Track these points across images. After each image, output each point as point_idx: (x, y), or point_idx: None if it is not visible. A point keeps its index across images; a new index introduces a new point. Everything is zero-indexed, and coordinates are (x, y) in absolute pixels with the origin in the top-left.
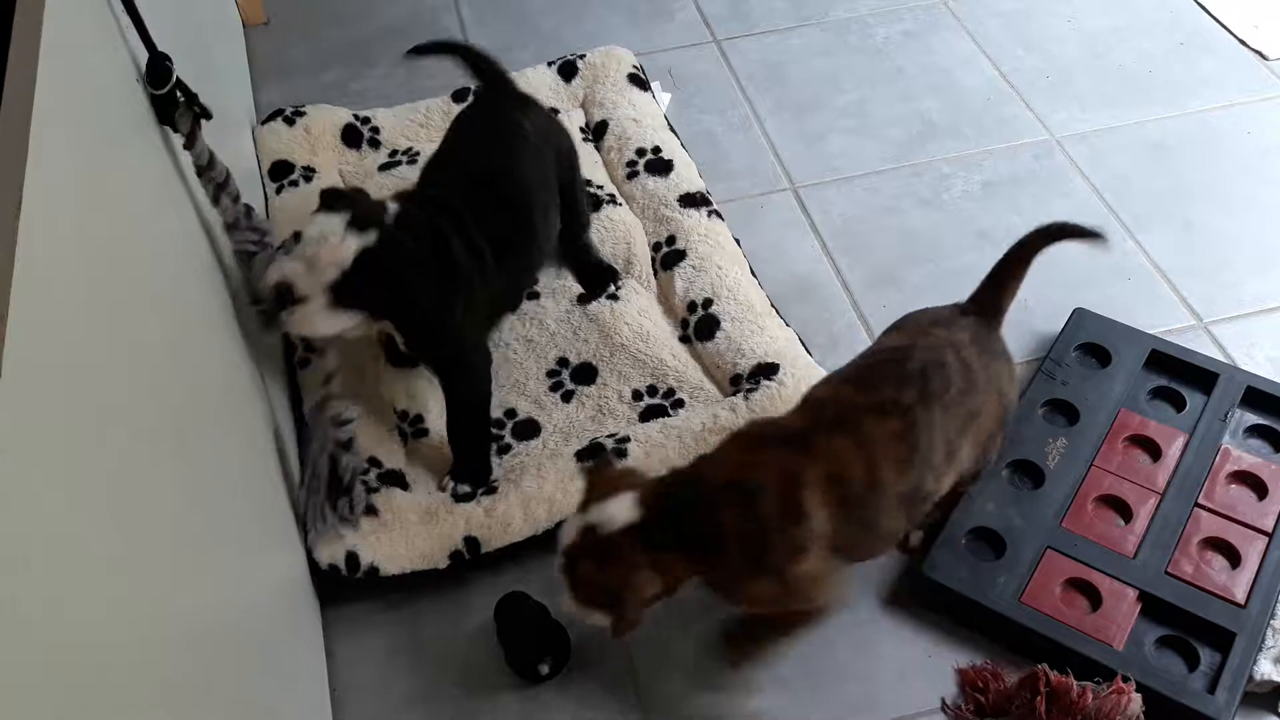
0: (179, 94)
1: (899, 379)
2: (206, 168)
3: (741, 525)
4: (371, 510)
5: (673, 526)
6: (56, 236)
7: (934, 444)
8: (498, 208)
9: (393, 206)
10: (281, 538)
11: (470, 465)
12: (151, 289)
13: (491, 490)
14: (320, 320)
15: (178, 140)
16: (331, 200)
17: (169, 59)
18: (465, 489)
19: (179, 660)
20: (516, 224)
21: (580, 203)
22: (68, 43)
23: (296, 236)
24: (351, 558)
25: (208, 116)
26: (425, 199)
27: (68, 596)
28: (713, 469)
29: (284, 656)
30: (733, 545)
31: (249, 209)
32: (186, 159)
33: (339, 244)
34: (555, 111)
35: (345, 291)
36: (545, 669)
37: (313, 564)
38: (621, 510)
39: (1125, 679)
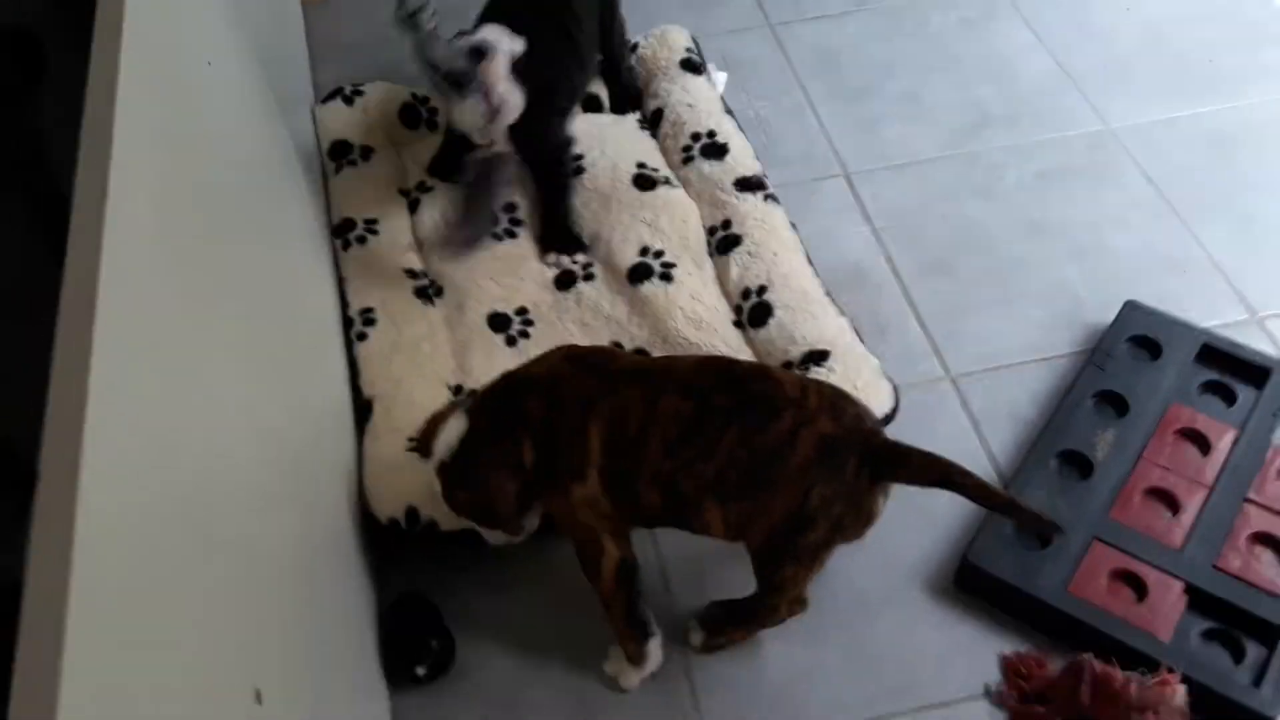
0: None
1: (729, 383)
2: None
3: (541, 420)
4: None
5: (496, 416)
6: (140, 209)
7: (709, 455)
8: (559, 31)
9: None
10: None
11: (562, 234)
12: (229, 252)
13: None
14: (504, 80)
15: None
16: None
17: None
18: (563, 258)
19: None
20: (575, 44)
21: (617, 27)
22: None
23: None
24: (411, 513)
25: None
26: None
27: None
28: (534, 367)
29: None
30: (534, 435)
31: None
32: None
33: (509, 38)
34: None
35: (518, 73)
36: (421, 672)
37: (369, 522)
38: (453, 430)
39: (1170, 670)
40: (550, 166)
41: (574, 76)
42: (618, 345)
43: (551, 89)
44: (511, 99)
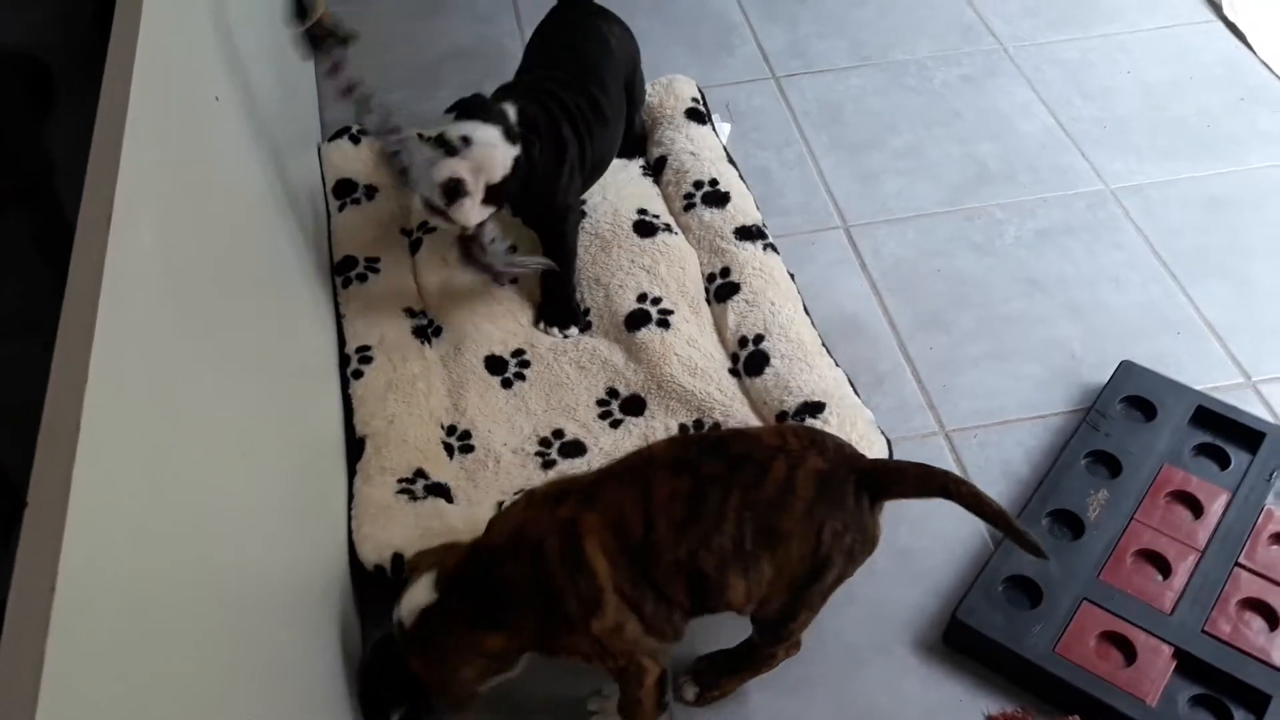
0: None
1: (712, 449)
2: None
3: (529, 580)
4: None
5: (467, 599)
6: (143, 238)
7: (720, 524)
8: (590, 97)
9: (511, 110)
10: (335, 531)
11: (561, 310)
12: (229, 282)
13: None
14: (475, 212)
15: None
16: (473, 110)
17: None
18: (558, 331)
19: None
20: (603, 110)
21: (640, 92)
22: (159, 48)
23: (438, 139)
24: (397, 559)
25: (354, 36)
26: (534, 92)
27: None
28: (498, 531)
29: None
30: (525, 603)
31: (387, 112)
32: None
33: (501, 153)
34: None
35: (498, 191)
36: (396, 718)
37: (356, 567)
38: (418, 596)
39: None
40: (556, 237)
41: (598, 145)
42: (613, 391)
43: (567, 158)
44: (476, 217)
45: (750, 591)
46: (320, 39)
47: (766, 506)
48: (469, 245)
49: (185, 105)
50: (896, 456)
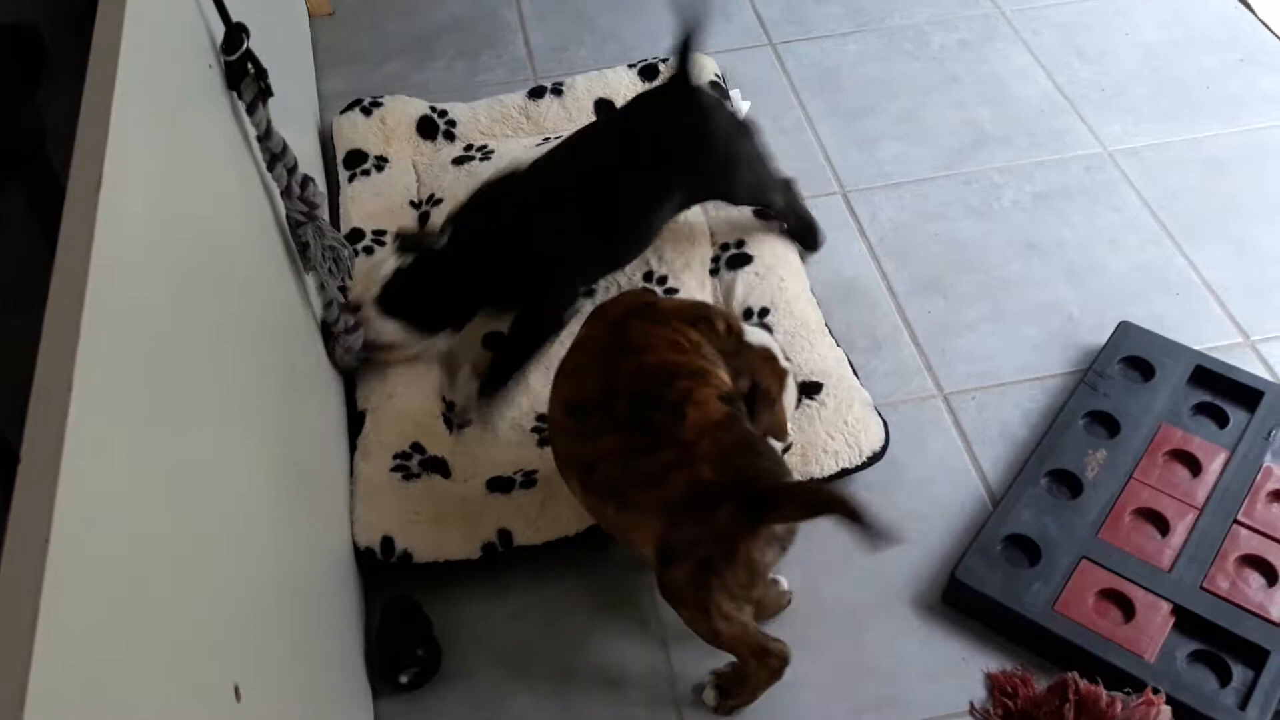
0: (249, 65)
1: (639, 398)
2: (264, 137)
3: None
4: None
5: None
6: (133, 203)
7: (593, 437)
8: (592, 212)
9: (443, 239)
10: (336, 503)
11: (494, 376)
12: (221, 247)
13: (530, 484)
14: (375, 324)
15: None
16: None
17: (245, 30)
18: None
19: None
20: (609, 230)
21: (747, 182)
22: (150, 15)
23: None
24: (387, 542)
25: (270, 94)
26: (489, 205)
27: (139, 568)
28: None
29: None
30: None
31: (306, 180)
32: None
33: (382, 264)
34: None
35: (386, 300)
36: (405, 679)
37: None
38: None
39: (1155, 691)
40: (528, 330)
41: (590, 261)
42: None
43: (559, 264)
44: (385, 332)
45: (618, 524)
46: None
47: (637, 475)
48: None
49: (177, 72)
50: (894, 421)
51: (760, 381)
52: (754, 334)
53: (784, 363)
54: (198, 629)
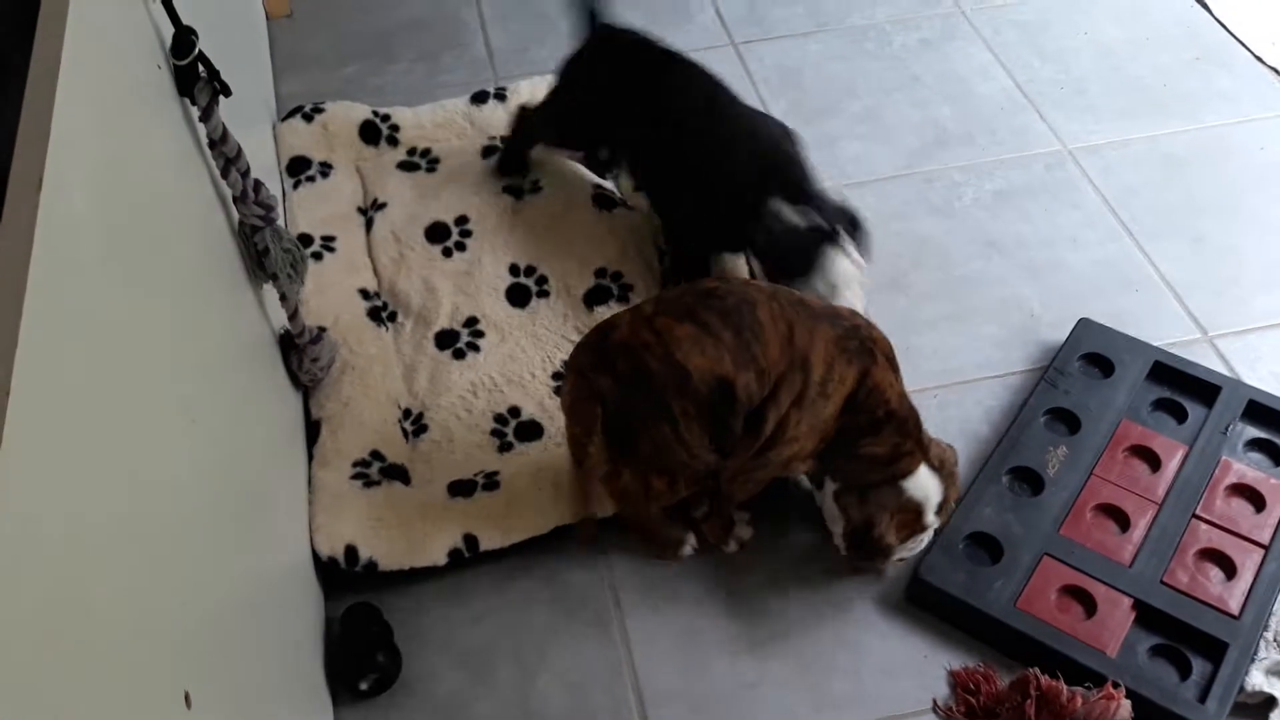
0: (200, 67)
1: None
2: (219, 142)
3: None
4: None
5: None
6: (76, 205)
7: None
8: None
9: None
10: (292, 511)
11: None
12: (168, 255)
13: (493, 486)
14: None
15: (196, 115)
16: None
17: (194, 33)
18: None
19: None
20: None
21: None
22: (94, 16)
23: None
24: (350, 551)
25: (227, 93)
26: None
27: (82, 575)
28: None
29: (290, 633)
30: None
31: (259, 184)
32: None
33: None
34: None
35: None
36: (365, 686)
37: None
38: None
39: (1115, 685)
40: None
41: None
42: (566, 363)
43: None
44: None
45: None
46: None
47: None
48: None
49: (124, 73)
50: None
51: (876, 527)
52: (922, 481)
53: (930, 519)
54: (143, 636)
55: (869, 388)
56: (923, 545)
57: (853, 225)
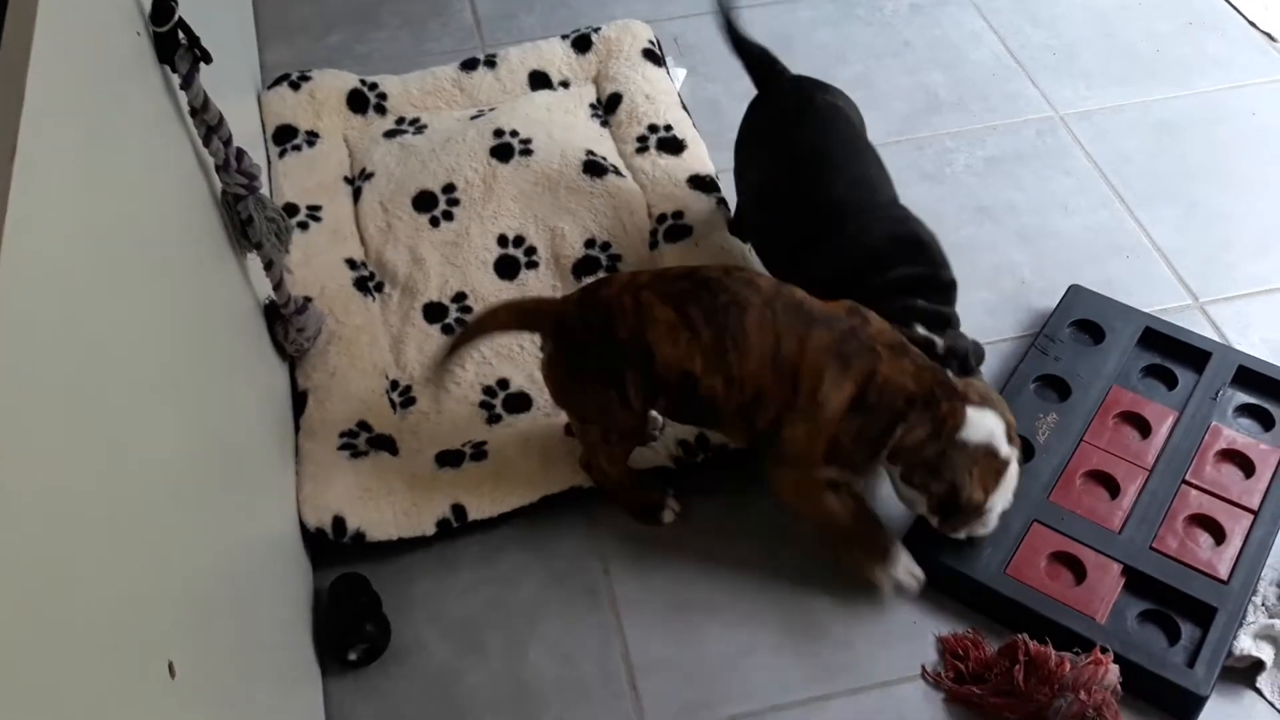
0: (180, 34)
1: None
2: (200, 110)
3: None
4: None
5: None
6: (53, 176)
7: None
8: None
9: None
10: (279, 482)
11: None
12: (148, 224)
13: (481, 456)
14: None
15: (177, 82)
16: None
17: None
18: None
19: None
20: None
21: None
22: None
23: None
24: (338, 522)
25: (208, 60)
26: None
27: (62, 546)
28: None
29: (275, 606)
30: None
31: (241, 152)
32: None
33: None
34: (565, 84)
35: None
36: (354, 656)
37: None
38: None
39: (1104, 650)
40: None
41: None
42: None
43: None
44: None
45: None
46: None
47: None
48: None
49: (101, 37)
50: None
51: (963, 490)
52: (977, 424)
53: (1005, 451)
54: (125, 606)
55: (879, 386)
56: (1011, 490)
57: (979, 359)
